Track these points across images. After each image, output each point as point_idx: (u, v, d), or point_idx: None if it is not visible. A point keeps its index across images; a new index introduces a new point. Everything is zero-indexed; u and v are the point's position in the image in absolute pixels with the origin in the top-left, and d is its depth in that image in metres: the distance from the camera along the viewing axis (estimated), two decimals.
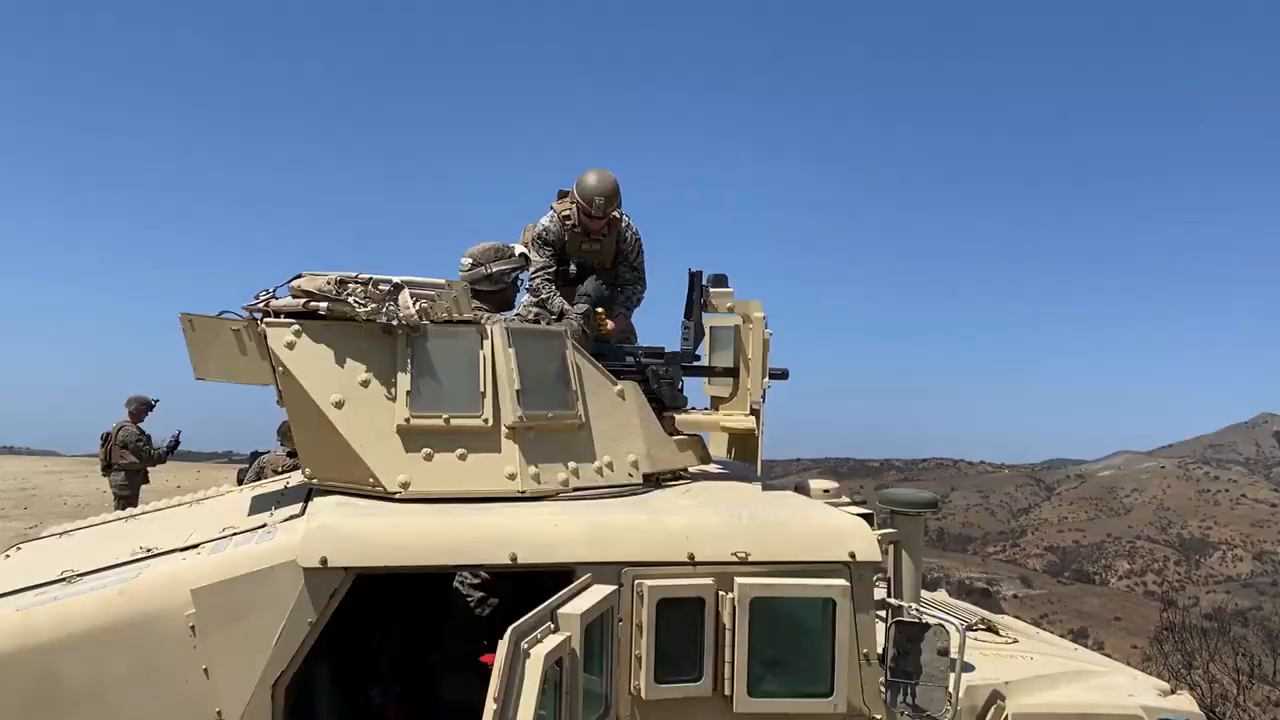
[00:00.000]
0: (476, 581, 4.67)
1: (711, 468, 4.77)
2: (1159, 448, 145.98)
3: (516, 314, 4.53)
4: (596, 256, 5.25)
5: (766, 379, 4.81)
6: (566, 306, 4.88)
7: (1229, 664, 13.18)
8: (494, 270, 4.50)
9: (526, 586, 3.88)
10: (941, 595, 6.71)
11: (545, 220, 5.21)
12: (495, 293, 4.53)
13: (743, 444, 5.33)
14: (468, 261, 4.51)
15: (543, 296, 5.04)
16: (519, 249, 4.84)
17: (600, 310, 4.84)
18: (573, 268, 5.20)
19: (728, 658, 3.40)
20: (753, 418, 4.84)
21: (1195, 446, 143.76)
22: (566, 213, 5.14)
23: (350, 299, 3.64)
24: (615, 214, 5.12)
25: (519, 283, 4.75)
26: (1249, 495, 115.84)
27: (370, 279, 3.70)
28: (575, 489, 3.84)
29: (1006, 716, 4.29)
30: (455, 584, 4.66)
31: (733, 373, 4.96)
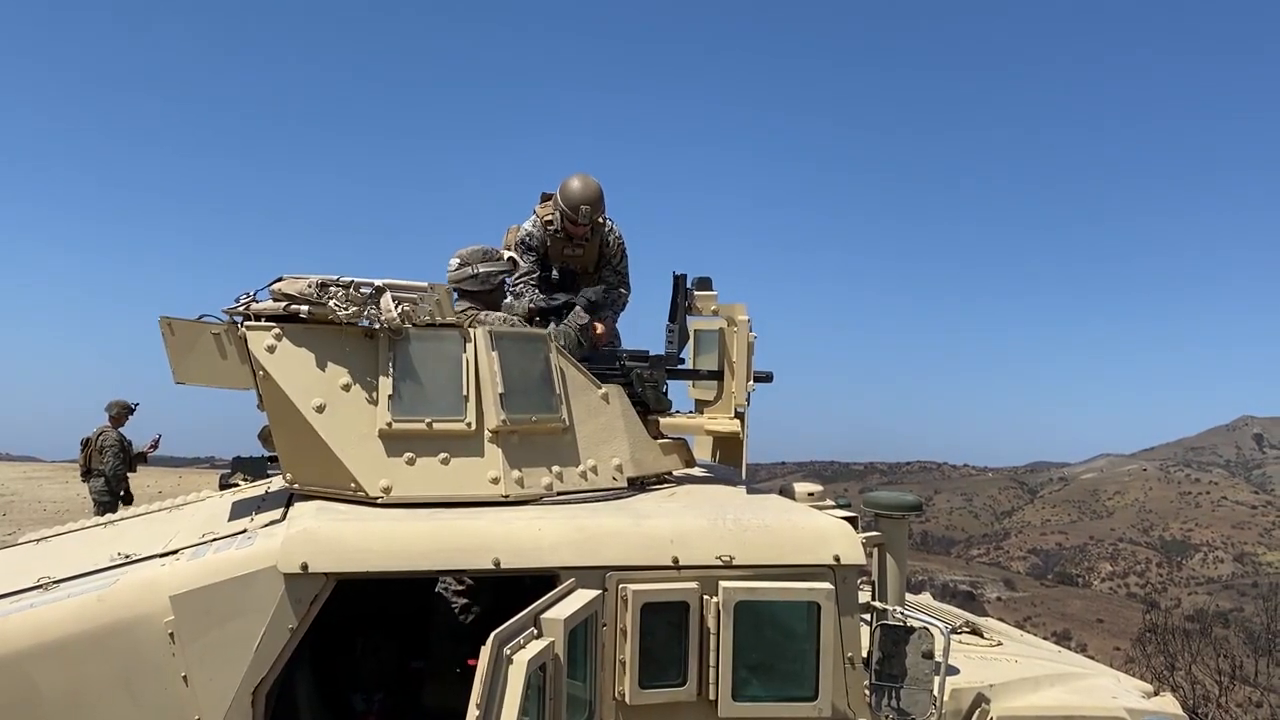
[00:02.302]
0: (460, 588, 4.64)
1: (696, 471, 4.77)
2: (1140, 450, 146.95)
3: (517, 314, 4.52)
4: (579, 261, 5.23)
5: (751, 382, 4.80)
6: (552, 301, 4.86)
7: (1211, 665, 13.27)
8: (480, 270, 4.48)
9: (510, 591, 3.86)
10: (925, 598, 6.74)
11: (528, 225, 5.18)
12: (482, 294, 4.52)
13: (727, 447, 5.33)
14: (455, 263, 4.50)
15: (524, 301, 5.02)
16: (508, 253, 4.82)
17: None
18: (555, 273, 5.18)
19: (712, 662, 3.39)
20: (737, 421, 4.83)
21: (1176, 449, 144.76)
22: (549, 217, 5.11)
23: (331, 302, 3.61)
24: (599, 218, 5.10)
25: (505, 286, 4.74)
26: (1230, 497, 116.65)
27: (352, 282, 3.68)
28: (559, 493, 3.83)
29: (991, 719, 4.30)
30: (438, 589, 4.64)
31: (717, 376, 4.95)
